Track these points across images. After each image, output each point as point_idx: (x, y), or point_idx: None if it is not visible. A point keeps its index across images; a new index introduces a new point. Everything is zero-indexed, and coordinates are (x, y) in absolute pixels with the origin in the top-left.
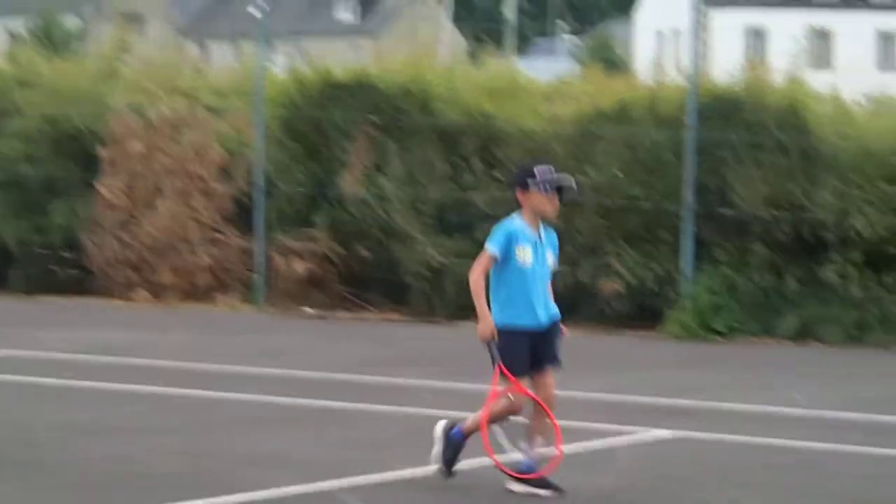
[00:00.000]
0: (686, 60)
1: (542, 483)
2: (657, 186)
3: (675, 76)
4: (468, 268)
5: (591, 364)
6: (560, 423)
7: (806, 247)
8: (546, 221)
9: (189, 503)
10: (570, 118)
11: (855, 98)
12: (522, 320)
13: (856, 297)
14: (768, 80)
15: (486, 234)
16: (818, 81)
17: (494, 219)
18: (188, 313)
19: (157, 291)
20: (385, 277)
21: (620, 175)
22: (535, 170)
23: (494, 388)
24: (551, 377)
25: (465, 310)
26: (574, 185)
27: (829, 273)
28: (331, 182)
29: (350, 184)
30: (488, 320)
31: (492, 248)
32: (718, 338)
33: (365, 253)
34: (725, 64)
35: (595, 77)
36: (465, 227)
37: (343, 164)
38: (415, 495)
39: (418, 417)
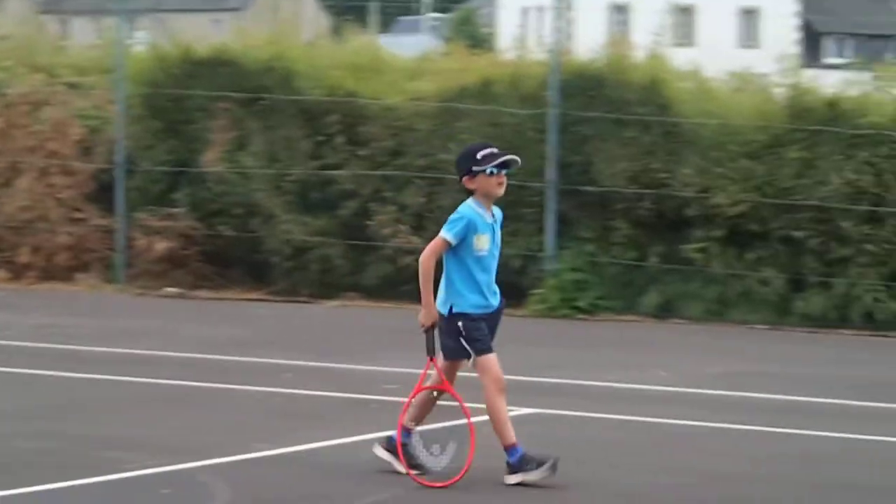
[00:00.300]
0: (549, 37)
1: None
2: (520, 163)
3: (538, 53)
4: (331, 246)
5: None
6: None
7: (668, 224)
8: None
9: (49, 486)
10: (433, 95)
11: (717, 75)
12: (478, 307)
13: (718, 273)
14: (631, 56)
15: (349, 213)
16: (681, 58)
17: (358, 196)
18: (48, 293)
19: (17, 271)
20: (247, 256)
21: None
22: (478, 155)
23: (421, 383)
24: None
25: (328, 288)
26: (518, 159)
27: (691, 250)
28: (193, 160)
29: (212, 161)
30: (432, 309)
31: (448, 235)
32: (582, 315)
33: (227, 231)
34: (588, 40)
35: (459, 54)
36: (328, 205)
37: (205, 142)
38: (276, 474)
39: (279, 397)
